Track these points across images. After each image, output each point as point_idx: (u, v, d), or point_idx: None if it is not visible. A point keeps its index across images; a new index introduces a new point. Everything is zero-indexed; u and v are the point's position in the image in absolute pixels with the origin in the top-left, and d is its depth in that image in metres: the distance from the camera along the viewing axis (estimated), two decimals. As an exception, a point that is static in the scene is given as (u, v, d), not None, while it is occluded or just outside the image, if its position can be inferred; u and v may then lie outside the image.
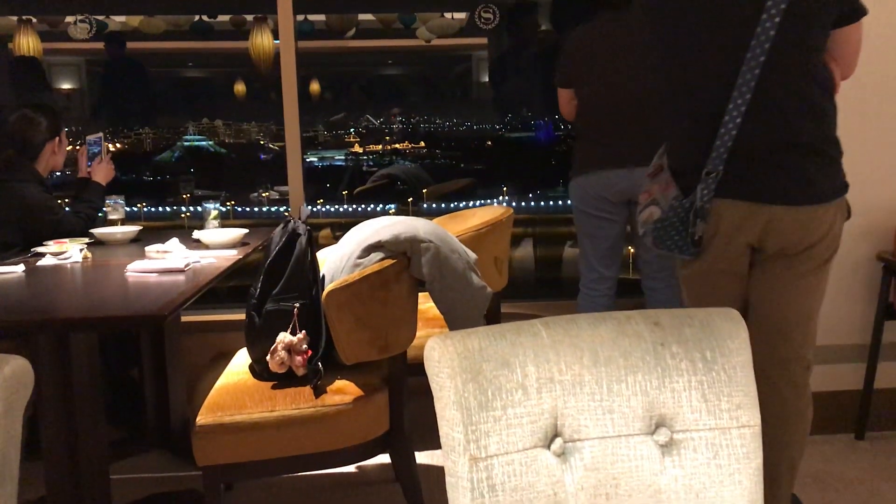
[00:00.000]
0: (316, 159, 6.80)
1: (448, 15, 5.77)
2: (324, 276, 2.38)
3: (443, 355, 1.06)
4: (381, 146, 7.29)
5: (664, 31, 1.99)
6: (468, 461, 1.02)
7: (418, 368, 2.60)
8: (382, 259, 2.19)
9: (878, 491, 2.61)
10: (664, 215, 1.98)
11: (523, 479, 1.03)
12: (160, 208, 6.61)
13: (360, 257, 2.22)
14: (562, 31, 5.23)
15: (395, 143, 7.31)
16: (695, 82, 1.96)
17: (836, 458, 2.86)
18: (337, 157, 7.11)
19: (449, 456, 1.04)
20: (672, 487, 1.07)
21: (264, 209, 5.85)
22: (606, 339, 1.10)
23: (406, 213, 5.44)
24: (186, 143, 8.20)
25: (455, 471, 1.03)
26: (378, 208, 5.68)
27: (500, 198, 5.96)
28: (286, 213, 2.38)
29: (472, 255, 2.43)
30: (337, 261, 2.34)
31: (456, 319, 2.31)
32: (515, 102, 6.20)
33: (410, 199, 5.50)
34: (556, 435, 1.06)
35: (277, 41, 5.83)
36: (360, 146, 7.30)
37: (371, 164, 6.83)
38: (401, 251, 2.23)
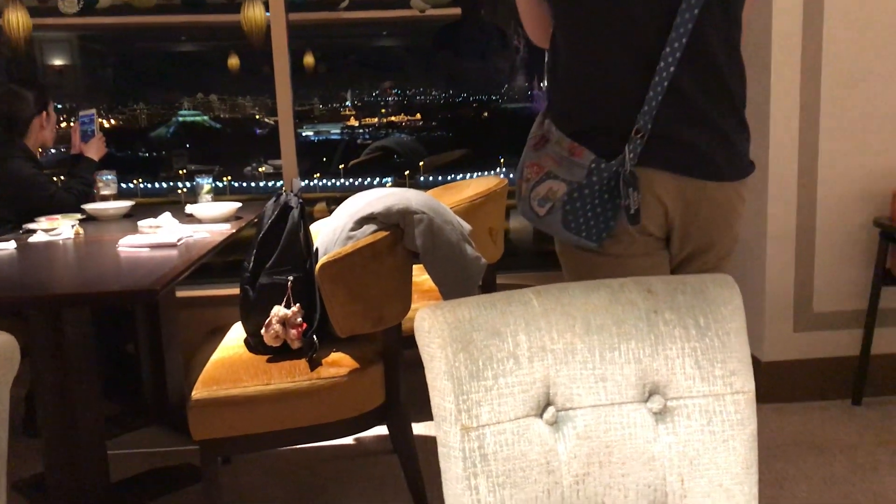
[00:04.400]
0: (312, 133, 6.76)
1: (441, -16, 5.70)
2: (317, 248, 2.36)
3: (433, 325, 1.05)
4: (376, 119, 7.24)
5: None
6: (460, 431, 1.01)
7: (413, 341, 2.62)
8: (375, 231, 2.18)
9: (874, 455, 2.62)
10: (581, 184, 1.60)
11: (515, 448, 1.02)
12: (156, 184, 6.58)
13: (352, 230, 2.20)
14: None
15: (390, 116, 7.26)
16: (621, 33, 1.60)
17: (833, 423, 2.87)
18: (333, 131, 7.06)
19: (441, 426, 1.04)
20: (666, 454, 1.07)
21: (260, 184, 5.83)
22: (599, 307, 1.09)
23: (402, 186, 5.41)
24: (181, 119, 8.14)
25: (447, 441, 1.03)
26: (374, 182, 5.65)
27: (497, 169, 5.92)
28: (277, 189, 2.36)
29: (467, 226, 2.41)
30: (330, 233, 2.32)
31: (450, 291, 2.30)
32: (528, 70, 6.14)
33: (407, 172, 5.47)
34: (548, 404, 1.05)
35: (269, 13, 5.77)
36: (356, 119, 7.25)
37: (367, 137, 6.79)
38: (393, 223, 2.21)
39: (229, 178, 5.70)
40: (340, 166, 5.74)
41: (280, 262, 2.24)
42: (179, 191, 6.15)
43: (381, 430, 2.51)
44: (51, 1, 6.16)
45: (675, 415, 1.08)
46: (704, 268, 1.71)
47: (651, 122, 1.58)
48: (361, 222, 2.19)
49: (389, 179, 5.47)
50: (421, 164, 5.68)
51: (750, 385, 1.10)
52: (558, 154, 1.64)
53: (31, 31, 5.96)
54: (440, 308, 1.07)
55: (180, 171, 5.51)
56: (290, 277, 2.22)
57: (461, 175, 5.96)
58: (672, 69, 1.55)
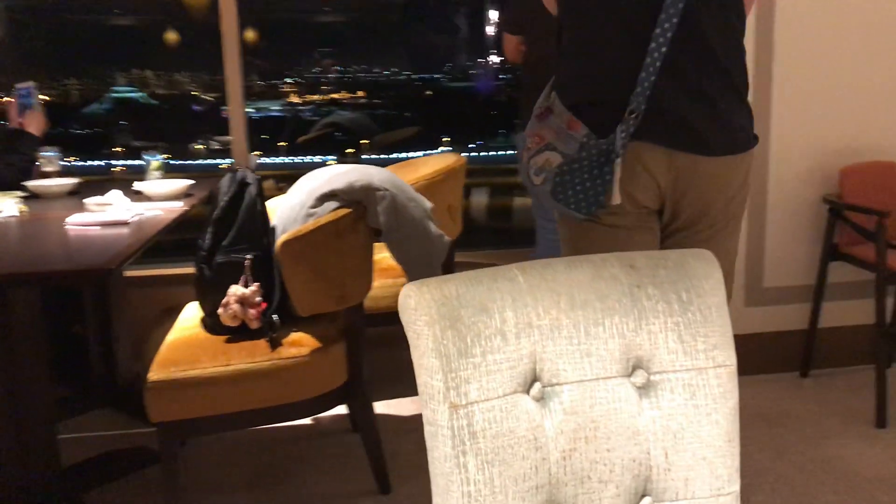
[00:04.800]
0: (253, 110, 6.63)
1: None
2: (274, 226, 2.32)
3: (419, 303, 1.03)
4: (318, 97, 7.13)
5: None
6: (448, 409, 1.00)
7: (374, 319, 2.60)
8: (337, 208, 2.14)
9: (822, 425, 2.70)
10: (573, 157, 1.64)
11: (504, 425, 1.01)
12: (92, 162, 6.37)
13: (313, 207, 2.16)
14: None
15: (332, 94, 7.16)
16: (615, 11, 1.65)
17: (782, 395, 2.95)
18: (273, 108, 6.96)
19: (428, 404, 1.02)
20: (650, 429, 1.07)
21: (204, 161, 5.69)
22: (583, 282, 1.09)
23: (346, 163, 5.34)
24: (116, 95, 7.88)
25: (434, 419, 1.01)
26: (320, 159, 5.56)
27: (440, 149, 5.89)
28: (232, 166, 2.30)
29: (428, 204, 2.39)
30: (288, 210, 2.27)
31: (413, 269, 2.28)
32: (472, 48, 6.12)
33: (352, 150, 5.39)
34: (534, 380, 1.04)
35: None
36: (298, 96, 7.13)
37: (310, 114, 6.68)
38: (355, 199, 2.17)
39: (167, 155, 5.56)
40: (282, 143, 5.64)
41: (237, 240, 2.19)
42: (119, 168, 5.96)
43: (339, 409, 2.49)
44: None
45: (658, 389, 1.08)
46: (697, 238, 1.72)
47: (645, 102, 1.60)
48: (322, 199, 2.15)
49: (333, 157, 5.39)
50: (365, 141, 5.61)
51: (732, 359, 1.11)
52: (558, 126, 1.66)
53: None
54: (426, 285, 1.05)
55: (119, 149, 5.34)
56: (249, 256, 2.17)
57: (405, 154, 5.92)
58: (664, 49, 1.57)
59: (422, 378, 1.03)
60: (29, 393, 2.09)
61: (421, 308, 1.02)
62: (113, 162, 6.73)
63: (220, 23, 3.35)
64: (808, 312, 3.03)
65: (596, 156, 1.63)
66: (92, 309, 2.83)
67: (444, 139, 6.10)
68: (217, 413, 2.07)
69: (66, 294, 2.89)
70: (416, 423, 2.78)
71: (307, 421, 2.82)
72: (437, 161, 3.08)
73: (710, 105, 1.64)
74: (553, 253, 3.06)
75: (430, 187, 2.74)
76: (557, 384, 1.05)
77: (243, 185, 2.22)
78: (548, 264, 1.10)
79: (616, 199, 1.63)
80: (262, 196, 2.24)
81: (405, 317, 1.04)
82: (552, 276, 1.08)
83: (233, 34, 3.34)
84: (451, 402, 1.00)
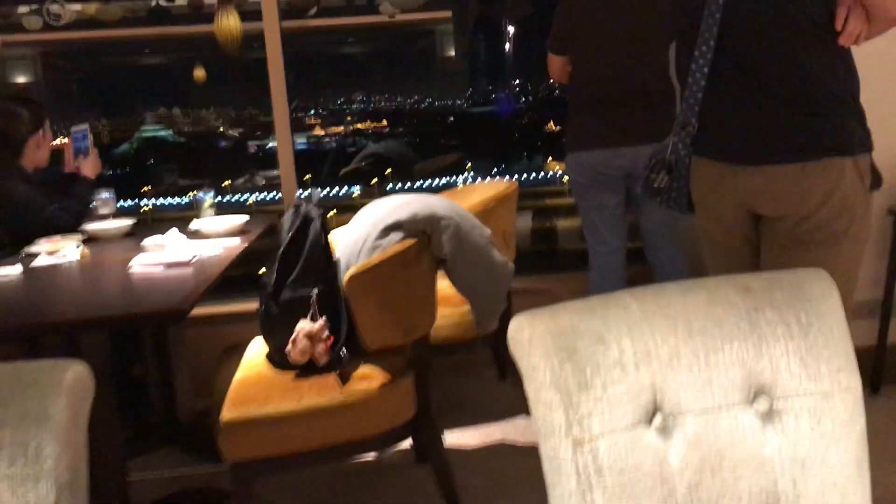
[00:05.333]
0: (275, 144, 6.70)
1: (412, -11, 5.68)
2: (337, 259, 2.30)
3: (534, 334, 1.00)
4: (342, 127, 7.17)
5: None
6: (571, 444, 0.96)
7: (440, 349, 2.57)
8: (402, 239, 2.12)
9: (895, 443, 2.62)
10: (646, 166, 1.96)
11: (629, 459, 0.97)
12: (126, 201, 6.43)
13: (378, 238, 2.14)
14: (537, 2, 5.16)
15: (356, 124, 7.20)
16: (680, 30, 1.88)
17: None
18: (298, 141, 7.03)
19: (547, 441, 0.99)
20: (776, 457, 1.03)
21: (251, 196, 5.73)
22: (698, 308, 1.05)
23: (386, 194, 5.36)
24: (146, 134, 7.98)
25: (556, 456, 0.98)
26: (348, 189, 5.57)
27: (465, 173, 5.89)
28: (297, 200, 2.30)
29: (487, 231, 2.36)
30: (351, 244, 2.26)
31: (479, 297, 2.25)
32: (495, 72, 6.13)
33: (377, 181, 5.39)
34: (656, 410, 1.01)
35: (245, 22, 5.67)
36: (322, 128, 7.19)
37: (334, 144, 6.72)
38: (420, 230, 2.15)
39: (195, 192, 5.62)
40: (307, 175, 5.68)
41: (303, 275, 2.17)
42: (145, 208, 6.00)
43: (403, 442, 2.45)
44: (14, 17, 6.01)
45: (783, 416, 1.04)
46: (778, 234, 1.80)
47: (695, 117, 1.76)
48: (387, 231, 2.13)
49: (357, 189, 5.39)
50: (389, 170, 5.62)
51: (857, 381, 1.06)
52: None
53: (2, 49, 5.80)
54: (538, 316, 1.02)
55: (166, 186, 5.41)
56: (315, 290, 2.15)
57: (446, 179, 5.91)
58: (706, 69, 1.72)
59: (539, 412, 1.00)
60: (100, 437, 2.07)
61: (536, 340, 1.00)
62: (152, 200, 6.81)
63: (266, 56, 3.37)
64: (876, 328, 2.95)
65: (658, 164, 1.87)
66: (151, 350, 2.83)
67: (468, 164, 6.10)
68: (290, 451, 2.04)
69: (124, 336, 2.90)
70: (481, 454, 2.74)
71: (369, 454, 2.78)
72: (487, 188, 3.07)
73: (754, 117, 1.74)
74: (607, 277, 3.01)
75: (484, 214, 2.71)
76: (679, 414, 1.01)
77: (307, 219, 2.21)
78: (660, 290, 1.07)
79: (688, 208, 1.89)
80: (327, 230, 2.23)
81: (518, 349, 1.01)
82: (666, 303, 1.05)
83: (278, 67, 3.36)
84: (575, 437, 0.97)
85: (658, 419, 1.00)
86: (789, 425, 1.03)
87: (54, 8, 5.13)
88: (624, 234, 3.03)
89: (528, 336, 1.00)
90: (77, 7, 6.22)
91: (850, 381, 1.06)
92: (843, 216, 1.74)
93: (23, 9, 5.91)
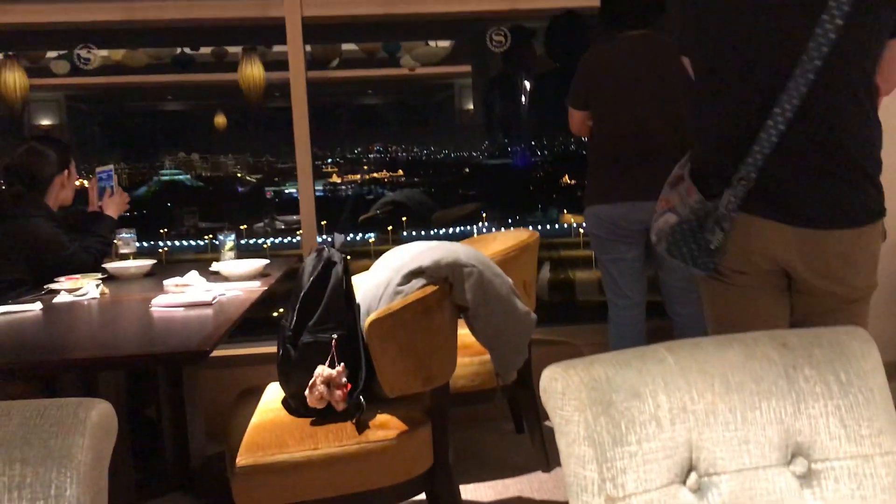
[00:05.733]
0: (294, 190, 6.76)
1: (432, 43, 5.75)
2: (358, 304, 2.29)
3: (567, 386, 0.97)
4: (359, 176, 7.25)
5: (707, 18, 1.81)
6: (604, 502, 0.93)
7: (458, 399, 2.53)
8: (425, 285, 2.11)
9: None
10: (683, 218, 1.80)
11: (664, 520, 0.94)
12: (144, 243, 6.49)
13: (400, 284, 2.13)
14: (557, 58, 5.21)
15: (372, 173, 7.27)
16: (736, 79, 1.76)
17: None
18: (315, 188, 7.10)
19: (579, 497, 0.96)
20: (816, 522, 0.99)
21: (268, 240, 5.76)
22: (736, 363, 1.03)
23: (402, 241, 5.38)
24: (164, 178, 8.09)
25: (588, 513, 0.95)
26: (364, 236, 5.58)
27: (480, 223, 5.91)
28: (320, 244, 2.29)
29: (510, 280, 2.35)
30: (373, 289, 2.24)
31: (501, 347, 2.23)
32: (511, 126, 6.18)
33: (390, 228, 5.39)
34: (691, 469, 0.98)
35: (267, 72, 5.76)
36: (338, 176, 7.26)
37: (349, 191, 6.78)
38: (442, 276, 2.14)
39: (211, 236, 5.65)
40: (322, 221, 5.74)
41: (323, 320, 2.15)
42: (162, 250, 6.03)
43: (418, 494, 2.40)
44: (42, 62, 6.14)
45: (821, 478, 1.00)
46: (822, 307, 1.77)
47: (756, 172, 1.70)
48: (410, 276, 2.12)
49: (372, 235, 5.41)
50: (403, 218, 5.64)
51: (899, 445, 1.03)
52: (682, 192, 1.81)
53: (29, 92, 5.92)
54: (572, 367, 1.00)
55: (186, 228, 5.45)
56: (335, 335, 2.13)
57: (461, 228, 5.92)
58: (781, 128, 1.65)
59: (571, 467, 0.97)
60: (115, 478, 2.04)
61: (570, 392, 0.97)
62: (167, 242, 6.86)
63: (290, 104, 3.41)
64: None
65: (703, 217, 1.75)
66: (166, 391, 2.81)
67: (483, 214, 6.13)
68: (303, 499, 2.00)
69: (140, 376, 2.88)
70: (496, 508, 2.68)
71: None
72: (508, 236, 3.06)
73: (824, 181, 1.68)
74: (627, 331, 2.98)
75: (504, 263, 2.70)
76: (715, 474, 0.98)
77: (329, 263, 2.20)
78: (697, 344, 1.05)
79: (724, 259, 1.77)
80: (349, 274, 2.21)
81: (551, 401, 0.99)
82: (703, 357, 1.03)
83: (303, 115, 3.39)
84: (608, 495, 0.94)
85: (693, 478, 0.97)
86: (828, 489, 1.00)
87: (83, 53, 5.23)
88: (643, 287, 3.00)
89: (561, 388, 0.98)
90: (104, 52, 6.32)
91: (892, 445, 1.03)
92: (871, 274, 1.77)
93: (51, 53, 6.02)
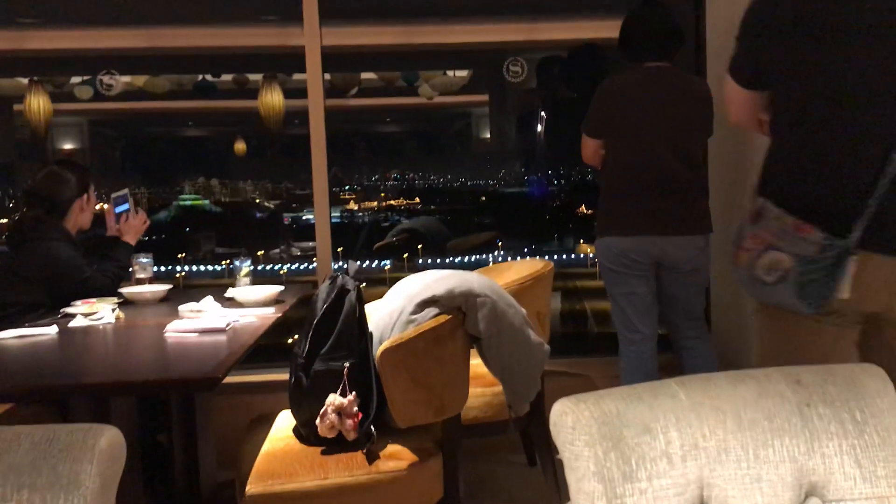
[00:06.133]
0: (311, 216, 6.81)
1: (450, 73, 5.80)
2: (371, 332, 2.28)
3: (578, 421, 0.97)
4: (376, 203, 7.30)
5: (801, 44, 1.72)
6: (614, 539, 0.92)
7: (470, 430, 2.51)
8: (437, 315, 2.10)
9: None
10: (812, 258, 1.66)
11: (674, 559, 0.93)
12: (161, 267, 6.55)
13: (413, 313, 2.13)
14: (576, 88, 5.24)
15: (390, 200, 7.32)
16: (854, 109, 1.69)
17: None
18: (332, 214, 7.15)
19: (588, 533, 0.94)
20: (830, 565, 0.97)
21: (284, 266, 5.78)
22: (748, 399, 1.02)
23: (417, 269, 5.40)
24: (182, 203, 8.17)
25: (597, 550, 0.93)
26: (380, 263, 5.59)
27: (495, 252, 5.91)
28: (335, 272, 2.30)
29: (524, 311, 2.34)
30: (386, 317, 2.24)
31: (513, 379, 2.22)
32: (526, 155, 6.21)
33: (406, 255, 5.41)
34: (702, 507, 0.97)
35: (287, 99, 5.83)
36: (355, 203, 7.31)
37: (384, 220, 6.82)
38: (455, 306, 2.14)
39: (228, 261, 5.68)
40: (339, 248, 5.74)
41: (336, 348, 2.15)
42: (179, 274, 6.07)
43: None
44: (66, 87, 6.25)
45: (836, 519, 0.99)
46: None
47: (875, 206, 1.64)
48: (423, 305, 2.12)
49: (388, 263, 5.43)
50: (418, 246, 5.65)
51: (916, 486, 1.01)
52: (779, 228, 1.70)
53: (52, 116, 6.02)
54: (582, 401, 0.99)
55: (181, 255, 5.50)
56: (347, 363, 2.13)
57: (476, 257, 5.93)
58: None
59: (580, 503, 0.96)
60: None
61: (579, 427, 0.96)
62: (183, 267, 6.91)
63: (308, 132, 3.44)
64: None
65: (836, 256, 1.66)
66: (178, 418, 2.80)
67: (498, 242, 6.14)
68: (312, 529, 1.99)
69: (152, 402, 2.88)
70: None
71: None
72: (523, 266, 3.05)
73: None
74: (639, 365, 2.95)
75: (518, 293, 2.69)
76: (727, 512, 0.97)
77: (343, 291, 2.20)
78: (708, 379, 1.04)
79: (845, 293, 1.66)
80: (362, 302, 2.22)
81: (560, 436, 0.98)
82: (715, 393, 1.01)
83: (320, 143, 3.42)
84: (618, 532, 0.92)
85: (705, 516, 0.96)
86: (844, 530, 0.98)
87: (107, 79, 5.32)
88: (654, 321, 2.97)
89: (571, 422, 0.97)
90: (127, 79, 6.43)
91: (909, 486, 1.01)
92: None
93: (75, 79, 6.13)
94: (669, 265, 2.89)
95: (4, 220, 6.88)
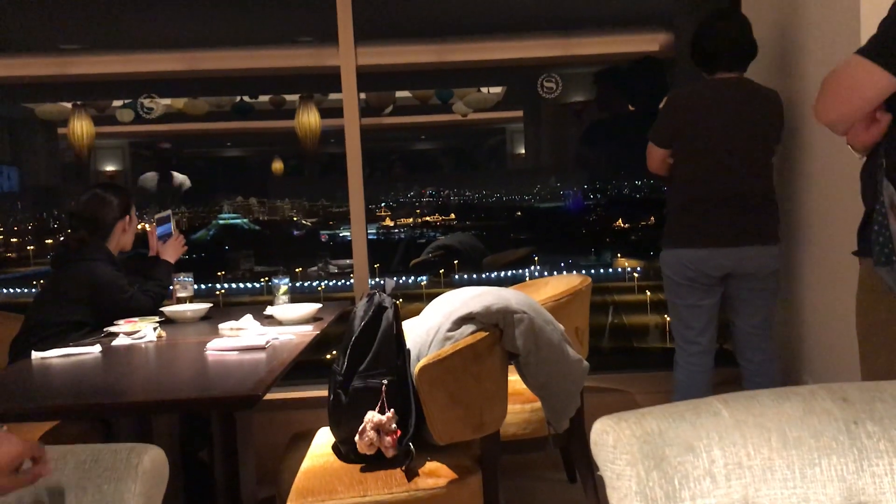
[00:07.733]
0: (349, 234, 6.85)
1: (484, 90, 5.82)
2: (408, 349, 2.29)
3: (619, 440, 0.96)
4: (411, 219, 7.32)
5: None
6: (657, 560, 0.91)
7: (509, 446, 2.50)
8: (475, 332, 2.10)
9: None
10: None
11: (720, 581, 0.91)
12: (201, 285, 6.63)
13: (450, 330, 2.12)
14: (635, 101, 5.22)
15: (425, 217, 7.35)
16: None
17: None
18: (369, 231, 7.19)
19: (631, 554, 0.93)
20: (882, 587, 0.95)
21: (322, 283, 5.82)
22: (793, 417, 1.00)
23: (453, 285, 5.40)
24: (222, 222, 8.29)
25: (640, 571, 0.92)
26: (416, 279, 5.59)
27: (532, 267, 5.89)
28: (372, 289, 2.31)
29: (561, 327, 2.32)
30: (423, 334, 2.24)
31: (552, 395, 2.20)
32: (561, 169, 6.19)
33: (443, 272, 5.39)
34: (748, 528, 0.95)
35: (323, 119, 5.90)
36: (391, 219, 7.35)
37: (420, 237, 6.84)
38: (493, 323, 2.13)
39: (266, 278, 5.73)
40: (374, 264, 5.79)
41: (374, 365, 2.15)
42: (219, 291, 6.14)
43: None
44: (108, 110, 6.39)
45: (888, 540, 0.96)
46: None
47: None
48: (460, 322, 2.12)
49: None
50: (454, 262, 5.64)
51: (971, 506, 0.98)
52: None
53: (95, 139, 6.16)
54: (624, 420, 0.98)
55: (221, 272, 5.55)
56: (385, 381, 2.13)
57: (511, 273, 5.91)
58: None
59: (623, 524, 0.95)
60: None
61: (621, 446, 0.95)
62: (222, 285, 6.99)
63: (344, 150, 3.47)
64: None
65: None
66: (220, 435, 2.83)
67: (534, 258, 6.12)
68: (352, 547, 1.99)
69: (194, 419, 2.91)
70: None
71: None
72: (560, 282, 3.04)
73: None
74: (694, 378, 2.89)
75: (556, 309, 2.68)
76: (774, 533, 0.95)
77: (380, 308, 2.21)
78: (752, 397, 1.02)
79: None
80: (399, 320, 2.22)
81: (602, 455, 0.97)
82: (759, 411, 1.00)
83: (356, 161, 3.45)
84: (662, 553, 0.91)
85: (751, 537, 0.94)
86: (895, 551, 0.96)
87: (147, 102, 5.44)
88: (714, 335, 2.93)
89: (612, 441, 0.96)
90: (166, 101, 6.56)
91: (963, 506, 0.98)
92: None
93: (117, 102, 6.27)
94: (742, 275, 2.85)
95: (49, 241, 7.02)
